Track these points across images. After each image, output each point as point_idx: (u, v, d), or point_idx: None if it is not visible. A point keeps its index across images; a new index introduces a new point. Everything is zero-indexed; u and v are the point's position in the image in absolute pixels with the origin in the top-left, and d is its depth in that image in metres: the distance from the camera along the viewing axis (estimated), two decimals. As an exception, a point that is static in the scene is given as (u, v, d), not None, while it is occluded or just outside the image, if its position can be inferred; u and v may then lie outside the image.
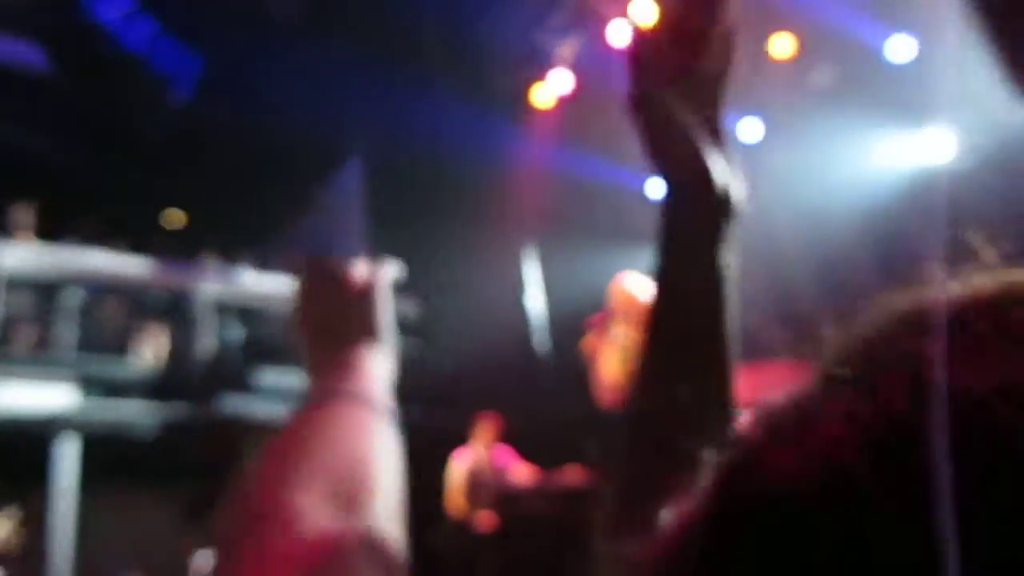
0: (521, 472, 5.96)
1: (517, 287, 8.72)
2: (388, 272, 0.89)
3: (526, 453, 6.22)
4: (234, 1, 7.49)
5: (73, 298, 7.00)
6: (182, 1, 7.37)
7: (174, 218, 9.24)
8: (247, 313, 7.92)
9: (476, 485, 5.88)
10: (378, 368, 0.81)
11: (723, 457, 0.31)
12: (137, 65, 7.47)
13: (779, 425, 0.30)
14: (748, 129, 7.30)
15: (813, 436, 0.28)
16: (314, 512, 0.59)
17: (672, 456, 0.44)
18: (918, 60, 6.13)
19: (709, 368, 0.71)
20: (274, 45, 7.34)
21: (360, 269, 0.86)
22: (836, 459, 0.27)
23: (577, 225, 7.80)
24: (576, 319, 4.49)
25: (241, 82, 7.36)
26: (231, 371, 7.60)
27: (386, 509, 0.65)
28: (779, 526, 0.27)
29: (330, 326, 0.82)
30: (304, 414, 0.73)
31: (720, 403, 0.69)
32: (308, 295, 0.85)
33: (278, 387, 7.88)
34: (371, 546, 0.60)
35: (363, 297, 0.84)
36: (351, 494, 0.63)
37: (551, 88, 7.52)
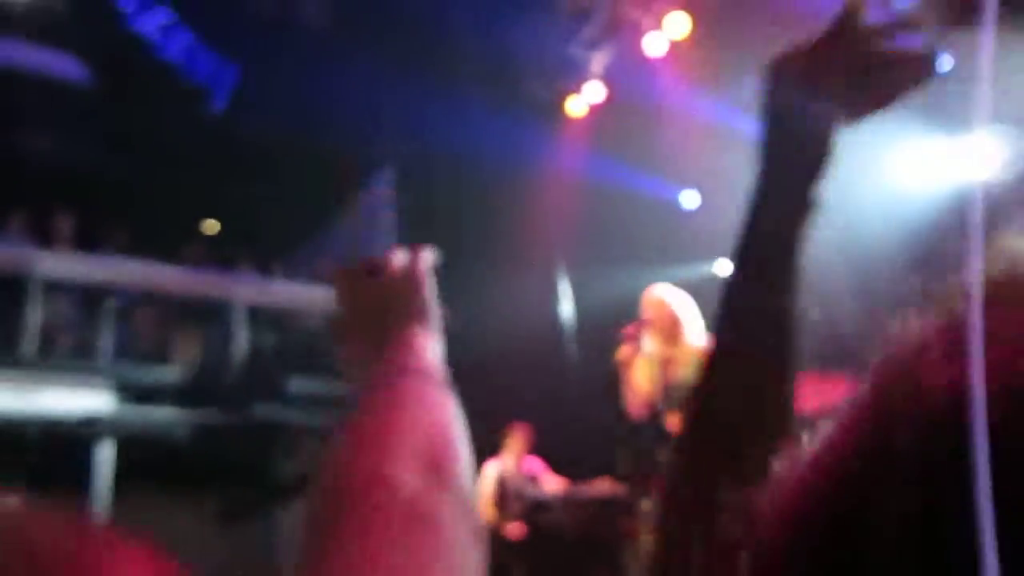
0: (550, 482, 5.95)
1: (549, 297, 8.72)
2: (427, 257, 0.91)
3: (556, 464, 6.21)
4: (268, 12, 7.59)
5: (110, 306, 7.12)
6: (218, 12, 7.49)
7: (209, 227, 9.37)
8: (280, 321, 8.01)
9: (505, 494, 5.88)
10: (432, 345, 0.83)
11: (876, 379, 0.31)
12: (174, 76, 7.60)
13: (929, 347, 0.31)
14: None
15: (982, 354, 0.29)
16: (412, 481, 0.60)
17: (737, 461, 0.44)
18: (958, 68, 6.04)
19: (779, 374, 0.71)
20: (308, 55, 7.42)
21: (399, 256, 0.88)
22: (1012, 371, 0.28)
23: (609, 236, 7.79)
24: (607, 330, 4.48)
25: (275, 92, 7.46)
26: (264, 378, 7.68)
27: (467, 475, 0.67)
28: (952, 434, 0.27)
29: (378, 314, 0.84)
30: (377, 392, 0.74)
31: (785, 410, 0.69)
32: (350, 288, 0.87)
33: (309, 394, 7.95)
34: (463, 509, 0.62)
35: (406, 281, 0.86)
36: (438, 462, 0.64)
37: (584, 98, 7.53)
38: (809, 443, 0.33)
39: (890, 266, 6.48)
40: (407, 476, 0.60)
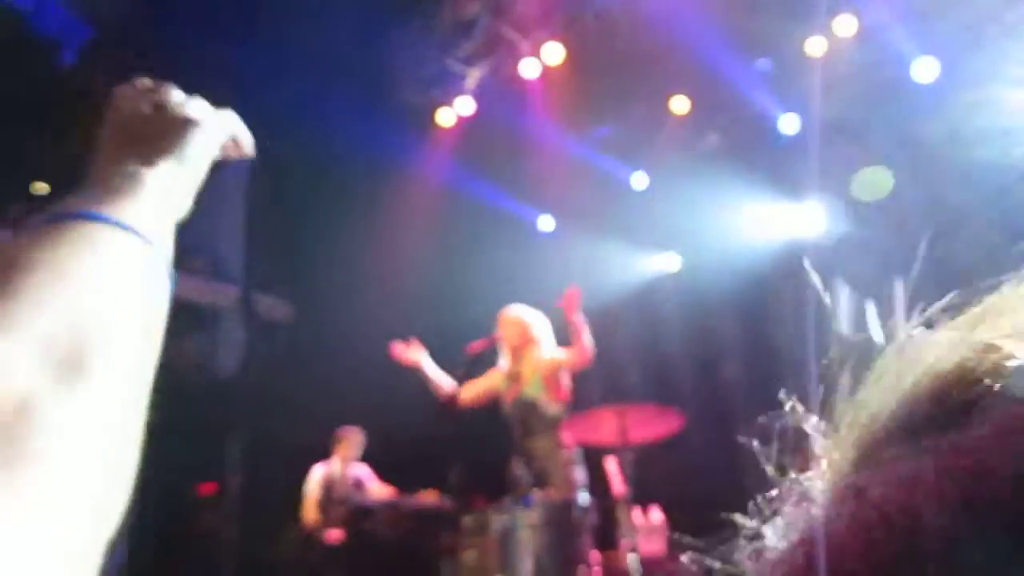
0: (377, 490, 5.88)
1: (396, 303, 8.65)
2: (224, 119, 0.81)
3: (385, 472, 6.15)
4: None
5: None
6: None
7: (38, 188, 8.71)
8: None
9: (329, 497, 5.77)
10: (166, 199, 0.69)
11: None
12: (21, 25, 7.04)
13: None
14: (637, 179, 7.57)
15: None
16: (16, 369, 0.44)
17: None
18: (801, 135, 6.54)
19: None
20: (170, 19, 7.08)
21: (193, 104, 0.78)
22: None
23: (462, 247, 7.83)
24: (454, 342, 4.50)
25: (130, 53, 7.04)
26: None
27: (120, 382, 0.50)
28: None
29: (129, 137, 0.72)
30: (39, 233, 0.55)
31: None
32: (121, 104, 0.76)
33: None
34: (104, 407, 0.46)
35: (177, 122, 0.75)
36: (73, 356, 0.47)
37: (454, 111, 7.57)
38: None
39: (728, 310, 6.86)
40: (12, 359, 0.44)
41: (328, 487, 5.86)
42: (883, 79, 6.18)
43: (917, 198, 5.75)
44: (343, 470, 5.96)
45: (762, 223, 6.83)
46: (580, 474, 3.89)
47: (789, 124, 6.66)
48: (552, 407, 4.00)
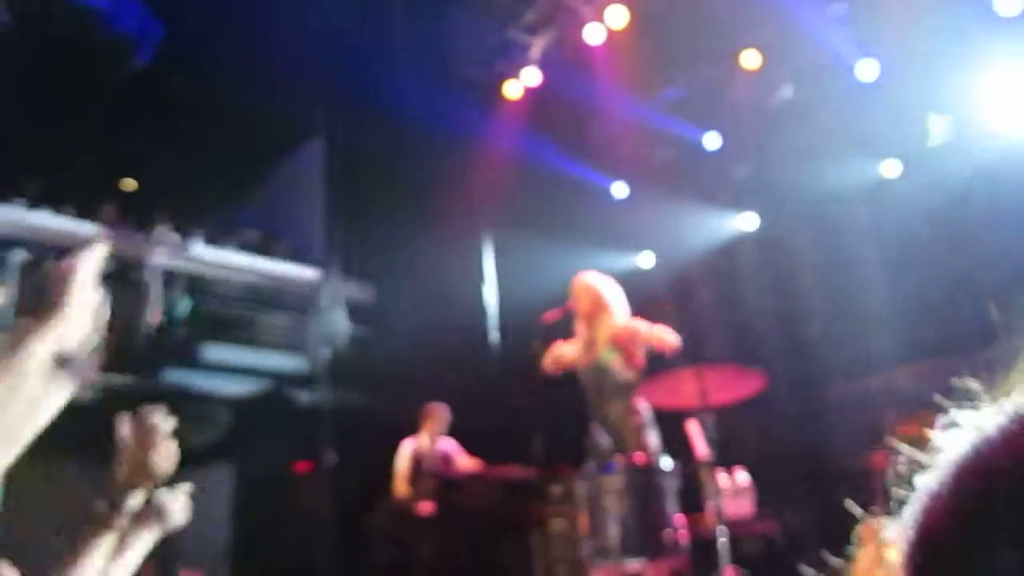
0: (465, 463, 5.99)
1: (474, 277, 8.72)
2: (94, 254, 0.95)
3: (472, 445, 6.25)
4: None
5: (15, 258, 6.82)
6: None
7: (126, 185, 9.05)
8: (195, 286, 7.80)
9: (418, 472, 5.90)
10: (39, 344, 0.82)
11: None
12: (97, 25, 7.29)
13: None
14: (710, 140, 7.43)
15: None
16: None
17: None
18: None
19: None
20: (239, 15, 7.21)
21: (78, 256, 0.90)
22: None
23: (537, 219, 7.83)
24: (530, 314, 4.52)
25: (204, 49, 7.23)
26: (176, 344, 7.48)
27: None
28: None
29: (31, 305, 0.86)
30: None
31: None
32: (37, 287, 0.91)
33: (222, 362, 7.79)
34: None
35: (61, 276, 0.88)
36: None
37: (521, 82, 7.53)
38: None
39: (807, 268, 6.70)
40: None
41: (418, 461, 5.98)
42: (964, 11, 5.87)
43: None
44: (431, 445, 6.08)
45: (841, 175, 6.62)
46: (653, 439, 3.88)
47: (867, 70, 6.40)
48: (625, 373, 3.98)
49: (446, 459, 6.08)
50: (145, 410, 1.90)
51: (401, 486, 5.93)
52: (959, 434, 0.43)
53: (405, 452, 6.05)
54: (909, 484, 0.44)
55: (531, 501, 4.35)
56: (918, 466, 0.45)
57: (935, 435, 0.46)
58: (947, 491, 0.41)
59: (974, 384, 0.47)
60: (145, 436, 1.71)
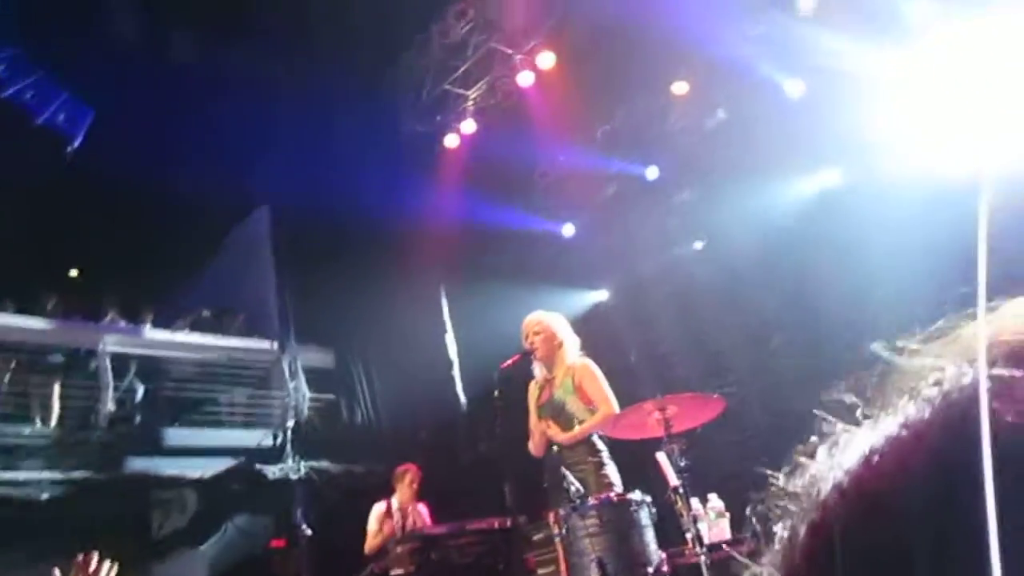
0: (436, 523, 5.89)
1: (434, 331, 8.68)
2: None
3: (447, 497, 6.18)
4: (126, 49, 7.31)
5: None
6: (70, 50, 7.15)
7: (71, 274, 8.90)
8: (150, 370, 7.65)
9: (395, 532, 5.80)
10: None
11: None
12: (23, 118, 7.20)
13: None
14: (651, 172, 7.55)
15: None
16: None
17: None
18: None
19: None
20: (171, 94, 7.20)
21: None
22: None
23: (491, 268, 7.85)
24: (493, 361, 4.51)
25: (138, 131, 7.16)
26: (135, 431, 7.30)
27: None
28: None
29: None
30: None
31: None
32: None
33: (187, 444, 7.61)
34: None
35: None
36: None
37: (459, 132, 7.60)
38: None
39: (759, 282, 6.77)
40: None
41: (392, 522, 5.90)
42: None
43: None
44: (405, 504, 6.00)
45: (783, 189, 6.74)
46: (613, 473, 3.86)
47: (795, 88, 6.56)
48: (581, 411, 3.97)
49: (421, 517, 6.00)
50: (86, 557, 1.87)
51: (373, 544, 5.86)
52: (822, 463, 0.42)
53: (375, 513, 5.98)
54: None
55: (513, 550, 4.27)
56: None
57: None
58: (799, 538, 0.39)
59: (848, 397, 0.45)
60: None
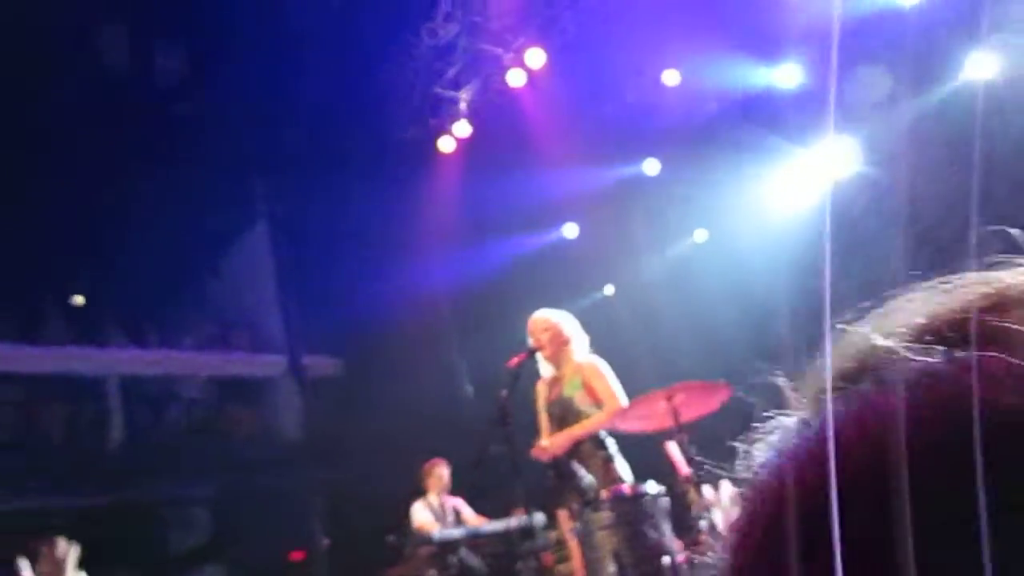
0: (472, 517, 5.89)
1: (441, 337, 8.70)
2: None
3: (472, 501, 6.18)
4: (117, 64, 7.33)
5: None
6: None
7: (77, 301, 8.92)
8: (158, 390, 7.67)
9: (412, 542, 5.80)
10: None
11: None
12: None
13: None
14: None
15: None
16: None
17: None
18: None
19: None
20: (161, 105, 7.22)
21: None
22: None
23: (492, 270, 7.86)
24: (496, 360, 4.52)
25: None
26: (145, 453, 7.32)
27: None
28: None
29: None
30: None
31: None
32: None
33: (198, 462, 7.63)
34: None
35: None
36: None
37: (453, 135, 7.61)
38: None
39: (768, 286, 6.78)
40: None
41: (430, 519, 5.87)
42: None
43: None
44: (440, 501, 5.99)
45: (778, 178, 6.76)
46: (622, 467, 3.86)
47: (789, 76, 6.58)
48: (588, 408, 3.98)
49: (457, 512, 5.99)
50: (51, 543, 1.92)
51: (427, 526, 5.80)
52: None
53: (419, 507, 5.94)
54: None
55: (531, 549, 4.28)
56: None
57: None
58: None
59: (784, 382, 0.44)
60: (55, 568, 1.74)
